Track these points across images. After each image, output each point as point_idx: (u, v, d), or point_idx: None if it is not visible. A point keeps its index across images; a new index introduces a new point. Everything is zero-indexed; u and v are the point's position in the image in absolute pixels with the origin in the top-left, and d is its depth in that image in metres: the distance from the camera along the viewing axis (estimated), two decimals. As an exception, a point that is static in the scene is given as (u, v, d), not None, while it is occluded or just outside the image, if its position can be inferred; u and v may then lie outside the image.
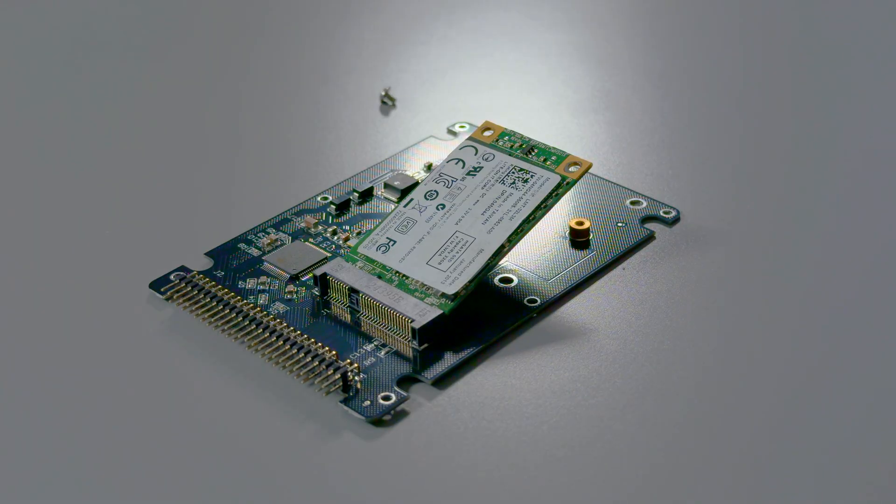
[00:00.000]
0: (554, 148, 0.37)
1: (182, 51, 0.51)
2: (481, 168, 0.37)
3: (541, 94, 0.47)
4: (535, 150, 0.37)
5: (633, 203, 0.39)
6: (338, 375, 0.32)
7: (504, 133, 0.38)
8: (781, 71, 0.48)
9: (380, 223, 0.36)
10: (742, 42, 0.50)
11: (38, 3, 0.55)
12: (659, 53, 0.50)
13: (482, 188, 0.36)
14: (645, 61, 0.49)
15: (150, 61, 0.50)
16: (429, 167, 0.41)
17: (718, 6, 0.53)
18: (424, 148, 0.43)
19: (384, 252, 0.35)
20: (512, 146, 0.38)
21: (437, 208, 0.36)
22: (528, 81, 0.47)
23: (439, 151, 0.42)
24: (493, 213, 0.36)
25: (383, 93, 0.46)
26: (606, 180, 0.41)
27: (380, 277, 0.35)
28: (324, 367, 0.33)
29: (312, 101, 0.47)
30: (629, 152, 0.43)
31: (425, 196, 0.37)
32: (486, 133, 0.38)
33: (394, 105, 0.45)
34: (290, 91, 0.47)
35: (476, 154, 0.37)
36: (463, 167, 0.37)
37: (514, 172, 0.36)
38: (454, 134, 0.44)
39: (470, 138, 0.38)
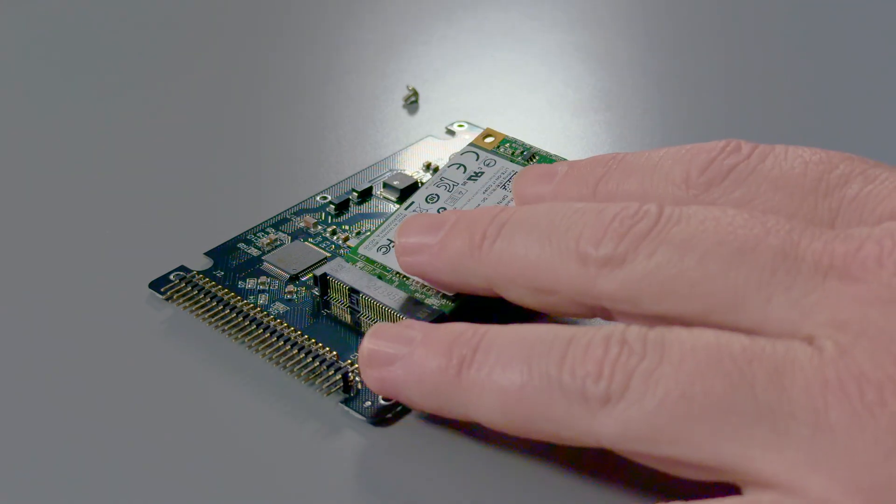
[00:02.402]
0: (555, 156, 0.37)
1: (181, 51, 0.51)
2: (482, 173, 0.37)
3: (541, 94, 0.47)
4: (537, 157, 0.37)
5: (633, 203, 0.39)
6: (338, 376, 0.32)
7: (505, 140, 0.38)
8: (782, 71, 0.48)
9: (380, 225, 0.36)
10: (743, 42, 0.50)
11: (37, 3, 0.55)
12: (659, 53, 0.50)
13: (483, 193, 0.36)
14: (645, 61, 0.49)
15: (148, 61, 0.50)
16: (427, 167, 0.41)
17: (719, 6, 0.53)
18: (423, 147, 0.43)
19: (384, 253, 0.35)
20: (513, 153, 0.38)
21: (438, 211, 0.36)
22: (528, 81, 0.47)
23: (438, 151, 0.42)
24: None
25: (409, 91, 0.46)
26: (606, 180, 0.40)
27: (380, 278, 0.35)
28: (324, 367, 0.33)
29: (311, 101, 0.47)
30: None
31: (426, 199, 0.37)
32: (488, 140, 0.38)
33: (416, 100, 0.46)
34: (289, 91, 0.47)
35: (477, 160, 0.38)
36: (464, 172, 0.37)
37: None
38: (452, 133, 0.43)
39: (471, 144, 0.38)
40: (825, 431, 0.24)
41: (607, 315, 0.29)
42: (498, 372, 0.28)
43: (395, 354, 0.30)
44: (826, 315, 0.26)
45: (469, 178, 0.37)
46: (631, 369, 0.26)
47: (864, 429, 0.24)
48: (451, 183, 0.37)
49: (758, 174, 0.30)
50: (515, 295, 0.31)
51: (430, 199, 0.37)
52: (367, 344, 0.31)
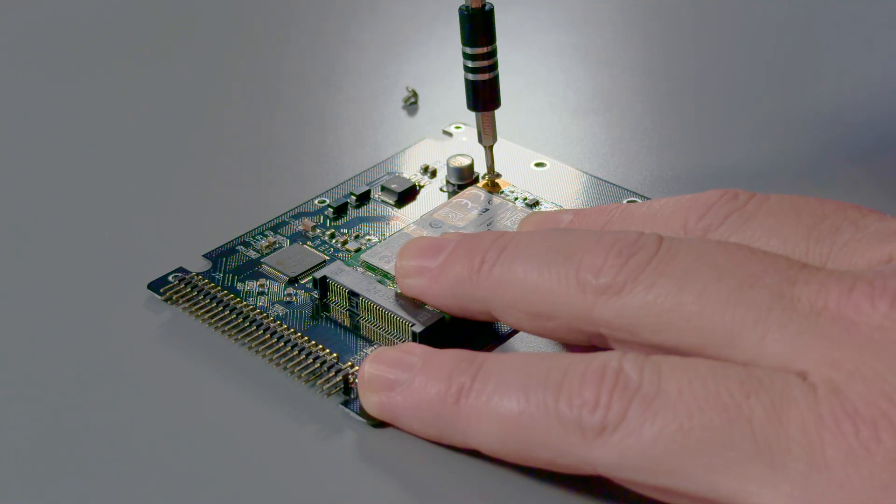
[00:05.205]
0: (558, 205, 0.38)
1: (179, 53, 0.51)
2: (486, 210, 0.38)
3: (541, 94, 0.46)
4: (539, 205, 0.39)
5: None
6: (339, 378, 0.32)
7: (510, 188, 0.39)
8: (783, 71, 0.48)
9: (384, 239, 0.37)
10: (743, 42, 0.50)
11: (37, 3, 0.55)
12: (659, 53, 0.50)
13: (487, 225, 0.37)
14: (645, 61, 0.49)
15: (147, 62, 0.50)
16: (425, 169, 0.41)
17: (719, 6, 0.53)
18: (421, 149, 0.43)
19: (386, 263, 0.35)
20: (515, 199, 0.39)
21: (440, 227, 0.37)
22: (528, 82, 0.47)
23: (435, 153, 0.42)
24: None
25: (408, 92, 0.46)
26: (606, 181, 0.41)
27: (380, 283, 0.35)
28: (325, 369, 0.33)
29: (311, 102, 0.46)
30: (629, 153, 0.43)
31: (430, 224, 0.37)
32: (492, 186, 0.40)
33: (416, 101, 0.46)
34: (288, 93, 0.47)
35: (481, 199, 0.38)
36: (468, 207, 0.38)
37: (518, 211, 0.38)
38: (449, 135, 0.43)
39: (475, 187, 0.39)
40: (821, 468, 0.25)
41: (604, 342, 0.30)
42: (496, 400, 0.28)
43: (395, 380, 0.30)
44: (820, 353, 0.26)
45: (471, 211, 0.38)
46: (628, 398, 0.27)
47: (859, 465, 0.24)
48: (454, 214, 0.38)
49: (753, 221, 0.30)
50: (513, 319, 0.31)
51: (433, 224, 0.37)
52: (368, 368, 0.31)
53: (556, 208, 0.39)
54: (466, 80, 0.38)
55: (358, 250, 0.37)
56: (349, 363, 0.33)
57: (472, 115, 0.39)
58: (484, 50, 0.37)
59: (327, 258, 0.37)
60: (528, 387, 0.28)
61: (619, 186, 0.40)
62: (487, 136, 0.39)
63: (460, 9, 0.37)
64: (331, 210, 0.39)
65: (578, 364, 0.28)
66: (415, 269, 0.33)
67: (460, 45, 0.37)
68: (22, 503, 0.30)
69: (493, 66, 0.38)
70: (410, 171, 0.41)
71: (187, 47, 0.51)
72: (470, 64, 0.38)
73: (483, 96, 0.38)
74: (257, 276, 0.36)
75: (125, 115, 0.46)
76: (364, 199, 0.40)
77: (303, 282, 0.36)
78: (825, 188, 0.40)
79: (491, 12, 0.37)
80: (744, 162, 0.42)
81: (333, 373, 0.32)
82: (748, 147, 0.43)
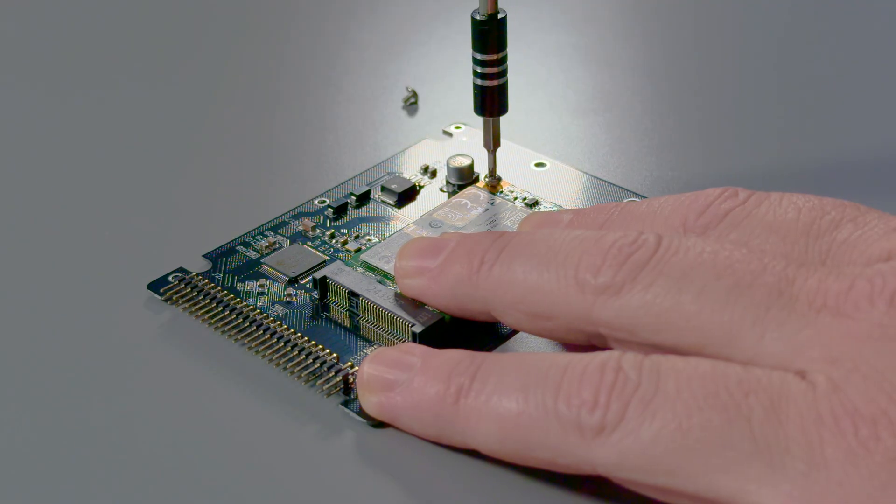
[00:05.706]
0: (558, 205, 0.38)
1: (180, 53, 0.51)
2: (486, 210, 0.38)
3: (541, 94, 0.47)
4: (538, 205, 0.39)
5: (632, 204, 0.39)
6: (339, 378, 0.32)
7: (510, 188, 0.39)
8: (783, 72, 0.48)
9: (384, 239, 0.37)
10: (743, 42, 0.50)
11: (37, 4, 0.55)
12: (659, 53, 0.50)
13: (487, 225, 0.37)
14: (645, 62, 0.49)
15: (148, 63, 0.50)
16: (426, 169, 0.41)
17: (719, 7, 0.53)
18: (421, 149, 0.43)
19: (386, 263, 0.35)
20: (515, 199, 0.39)
21: (440, 227, 0.37)
22: (528, 83, 0.47)
23: (435, 154, 0.42)
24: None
25: (408, 92, 0.46)
26: (606, 181, 0.41)
27: (380, 283, 0.35)
28: (325, 369, 0.33)
29: (311, 102, 0.46)
30: (629, 154, 0.43)
31: (430, 224, 0.37)
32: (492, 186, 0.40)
33: (416, 101, 0.46)
34: (288, 93, 0.47)
35: (481, 199, 0.38)
36: (468, 207, 0.38)
37: (518, 211, 0.38)
38: (449, 135, 0.43)
39: (474, 187, 0.39)
40: (820, 467, 0.25)
41: (604, 342, 0.30)
42: (495, 400, 0.28)
43: (394, 381, 0.30)
44: (818, 351, 0.26)
45: (472, 211, 0.38)
46: (627, 398, 0.27)
47: (858, 464, 0.24)
48: (453, 214, 0.38)
49: (752, 218, 0.30)
50: (513, 320, 0.31)
51: (433, 224, 0.37)
52: (367, 369, 0.31)
53: (556, 208, 0.39)
54: (475, 85, 0.38)
55: (358, 250, 0.37)
56: (349, 363, 0.33)
57: (473, 115, 0.39)
58: (494, 57, 0.37)
59: (327, 258, 0.37)
60: (527, 387, 0.28)
61: (619, 186, 0.40)
62: (492, 140, 0.39)
63: (472, 15, 0.37)
64: (331, 210, 0.39)
65: (577, 364, 0.28)
66: (414, 269, 0.33)
67: (463, 47, 0.37)
68: (22, 503, 0.30)
69: (503, 73, 0.38)
70: (410, 172, 0.41)
71: (187, 47, 0.51)
72: (479, 70, 0.38)
73: (491, 102, 0.38)
74: (257, 276, 0.36)
75: (125, 115, 0.46)
76: (364, 199, 0.40)
77: (303, 282, 0.36)
78: (825, 187, 0.40)
79: (503, 21, 0.37)
80: (744, 161, 0.42)
81: (333, 373, 0.32)
82: (748, 147, 0.43)
